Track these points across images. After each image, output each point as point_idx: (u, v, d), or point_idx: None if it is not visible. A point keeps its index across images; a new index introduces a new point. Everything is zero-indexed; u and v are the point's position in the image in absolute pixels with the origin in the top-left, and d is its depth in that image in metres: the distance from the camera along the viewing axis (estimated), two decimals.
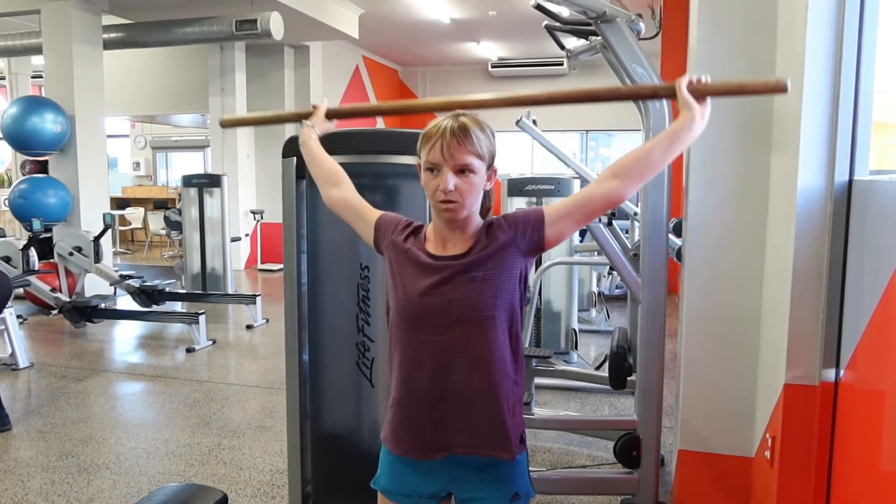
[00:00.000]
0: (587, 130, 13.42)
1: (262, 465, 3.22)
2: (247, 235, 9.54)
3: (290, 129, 9.79)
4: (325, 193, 1.64)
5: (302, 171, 2.39)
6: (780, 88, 1.35)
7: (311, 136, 1.71)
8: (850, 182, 1.90)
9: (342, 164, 2.39)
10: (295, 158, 2.39)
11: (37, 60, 8.46)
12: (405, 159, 2.25)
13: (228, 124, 1.96)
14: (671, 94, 1.39)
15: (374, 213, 1.55)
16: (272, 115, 2.17)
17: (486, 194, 1.42)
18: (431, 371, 1.39)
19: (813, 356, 1.99)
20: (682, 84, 1.37)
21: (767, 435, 2.21)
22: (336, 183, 1.63)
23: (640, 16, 2.59)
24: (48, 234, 6.62)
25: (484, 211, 1.43)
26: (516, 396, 1.44)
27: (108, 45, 7.58)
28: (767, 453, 2.18)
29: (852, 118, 1.88)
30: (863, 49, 1.87)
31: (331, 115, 1.77)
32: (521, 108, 1.74)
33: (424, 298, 1.38)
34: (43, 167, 7.46)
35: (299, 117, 1.79)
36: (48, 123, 6.51)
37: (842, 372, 1.91)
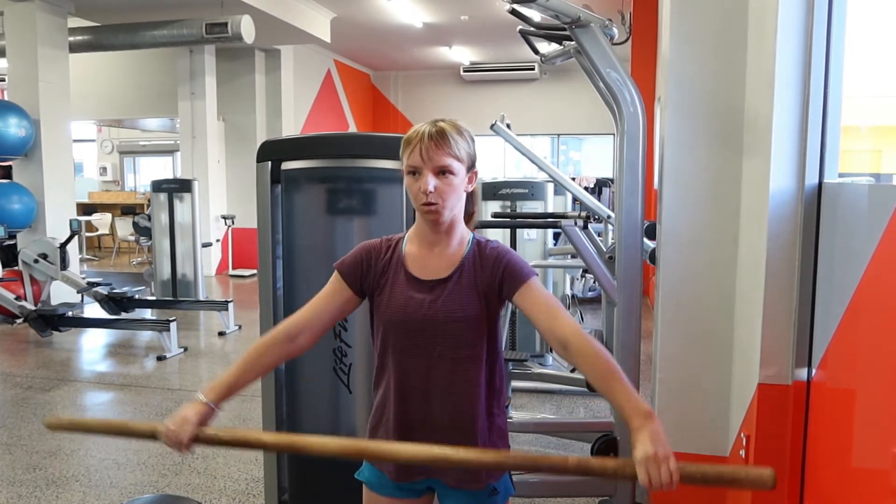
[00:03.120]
0: (558, 134, 13.53)
1: (237, 473, 3.17)
2: (218, 241, 9.41)
3: (262, 134, 9.70)
4: (300, 349, 1.44)
5: (277, 176, 2.36)
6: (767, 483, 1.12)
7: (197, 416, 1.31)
8: (820, 185, 1.93)
9: (317, 168, 2.39)
10: (270, 163, 2.36)
11: None
12: (381, 163, 2.24)
13: (55, 427, 1.50)
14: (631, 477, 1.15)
15: (334, 279, 1.45)
16: (116, 427, 1.51)
17: (469, 198, 1.44)
18: (412, 401, 1.43)
19: (786, 356, 2.02)
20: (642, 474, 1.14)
21: (742, 434, 2.24)
22: (293, 336, 1.42)
23: (610, 21, 2.62)
24: (12, 241, 6.47)
25: (467, 216, 1.46)
26: (495, 426, 1.46)
27: (75, 47, 7.44)
28: (742, 452, 2.21)
29: (821, 122, 1.92)
30: (831, 55, 1.91)
31: (200, 439, 1.32)
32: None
33: (410, 334, 1.40)
34: (7, 172, 7.29)
35: (151, 435, 1.33)
36: (12, 128, 6.36)
37: (814, 371, 1.94)
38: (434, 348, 1.39)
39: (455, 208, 1.40)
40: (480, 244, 1.43)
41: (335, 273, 1.46)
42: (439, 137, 1.35)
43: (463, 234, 1.44)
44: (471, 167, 1.41)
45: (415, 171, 1.37)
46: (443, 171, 1.35)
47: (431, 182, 1.34)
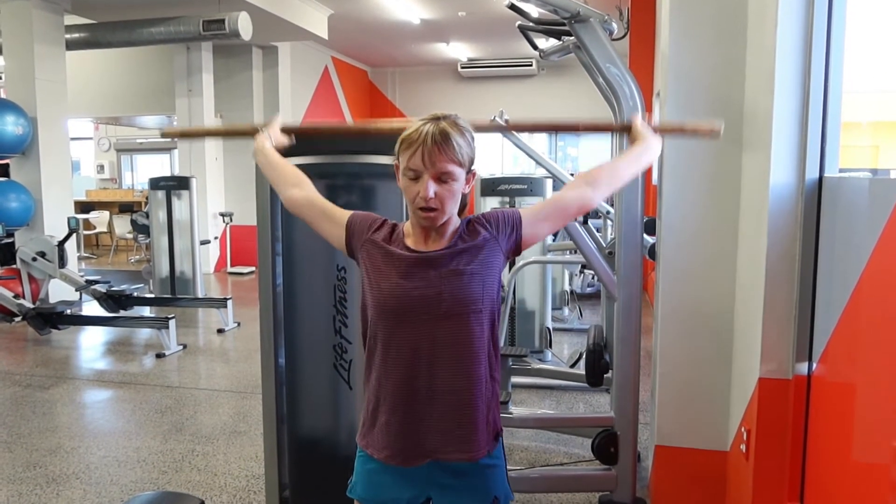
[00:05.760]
0: (556, 131, 13.51)
1: (238, 470, 3.17)
2: (216, 238, 9.40)
3: None
4: (285, 195, 1.57)
5: None
6: (715, 134, 1.67)
7: (266, 143, 1.67)
8: (821, 179, 1.93)
9: (316, 165, 2.38)
10: None
11: None
12: (380, 159, 2.23)
13: (170, 135, 1.89)
14: (626, 129, 1.67)
15: (344, 213, 1.51)
16: (223, 129, 2.14)
17: (463, 195, 1.43)
18: (417, 368, 1.38)
19: (786, 350, 2.02)
20: (636, 121, 1.65)
21: (742, 429, 2.24)
22: (296, 183, 1.56)
23: (609, 16, 2.61)
24: (10, 239, 6.46)
25: (461, 209, 1.44)
26: (494, 393, 1.46)
27: (71, 45, 7.42)
28: (743, 447, 2.21)
29: (822, 117, 1.92)
30: (831, 49, 1.91)
31: (286, 130, 1.73)
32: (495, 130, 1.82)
33: (413, 292, 1.36)
34: (4, 170, 7.27)
35: (253, 131, 1.73)
36: (9, 126, 6.35)
37: (814, 365, 1.94)
38: (441, 305, 1.35)
39: (452, 211, 1.38)
40: (469, 217, 1.46)
41: (349, 213, 1.50)
42: (443, 142, 1.31)
43: (455, 224, 1.43)
44: (470, 169, 1.39)
45: (414, 174, 1.34)
46: (444, 177, 1.33)
47: (432, 188, 1.32)
